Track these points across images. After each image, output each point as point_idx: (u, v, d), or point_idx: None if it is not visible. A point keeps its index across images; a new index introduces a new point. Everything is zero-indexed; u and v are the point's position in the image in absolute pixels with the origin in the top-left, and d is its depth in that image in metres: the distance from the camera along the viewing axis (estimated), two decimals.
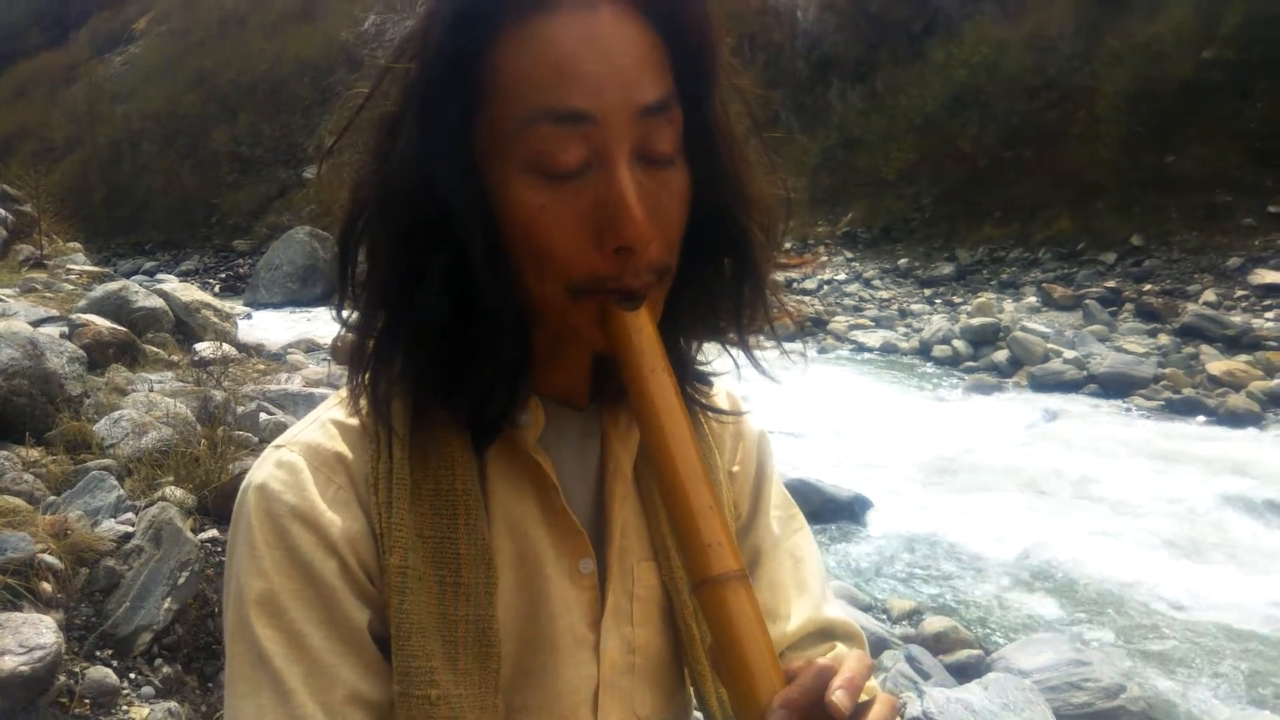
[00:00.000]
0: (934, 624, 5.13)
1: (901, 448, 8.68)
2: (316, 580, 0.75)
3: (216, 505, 3.55)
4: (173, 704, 2.84)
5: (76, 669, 2.79)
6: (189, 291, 8.04)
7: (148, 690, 2.86)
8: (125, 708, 2.78)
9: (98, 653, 2.91)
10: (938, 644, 4.91)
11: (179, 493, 3.52)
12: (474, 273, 0.73)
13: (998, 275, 16.97)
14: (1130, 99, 17.38)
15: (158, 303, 6.84)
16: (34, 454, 3.72)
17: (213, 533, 3.41)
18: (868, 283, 17.96)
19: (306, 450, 0.79)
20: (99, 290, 6.73)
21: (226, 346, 6.69)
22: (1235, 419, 9.34)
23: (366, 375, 0.79)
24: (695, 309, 0.83)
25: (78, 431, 3.91)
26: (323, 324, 16.09)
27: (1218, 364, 10.83)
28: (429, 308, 0.73)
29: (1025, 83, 19.20)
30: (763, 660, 0.65)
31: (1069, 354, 11.81)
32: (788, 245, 0.86)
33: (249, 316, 16.60)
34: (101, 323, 5.63)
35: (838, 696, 0.63)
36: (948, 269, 17.71)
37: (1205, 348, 11.61)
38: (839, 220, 20.69)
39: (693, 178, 0.76)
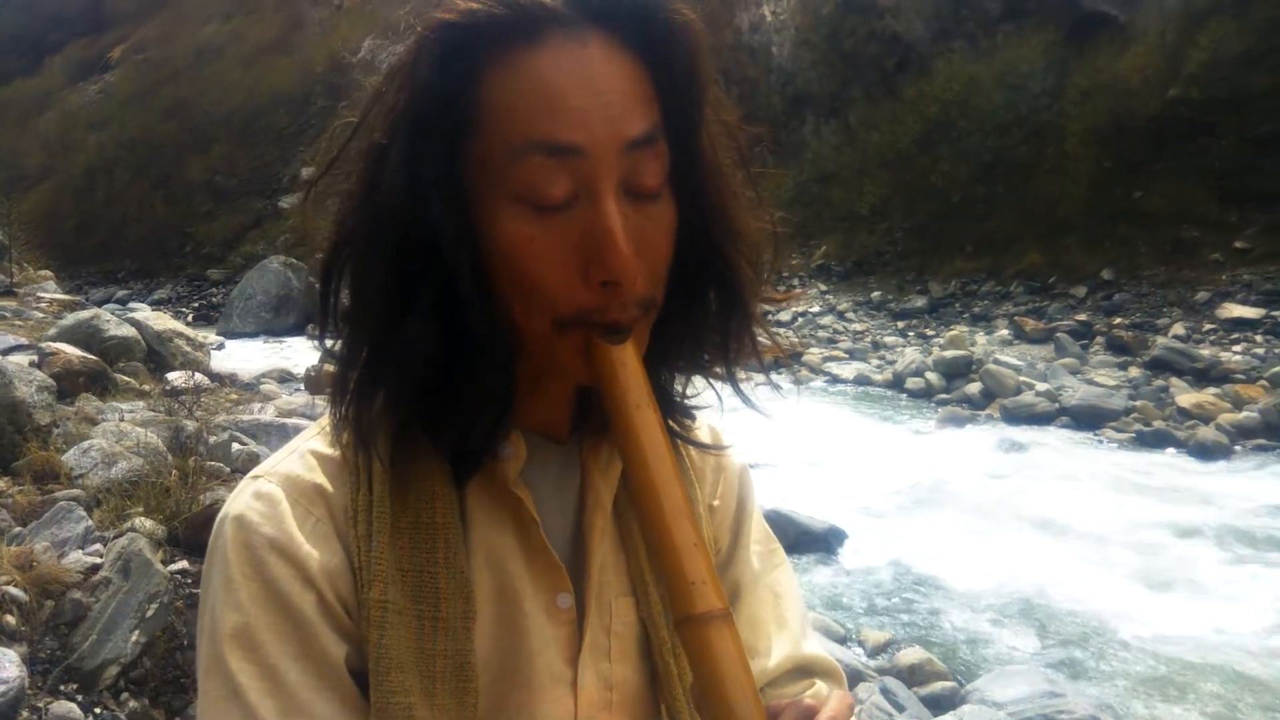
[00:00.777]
0: (909, 656, 5.12)
1: (875, 479, 8.71)
2: (294, 614, 0.73)
3: (187, 536, 3.50)
4: None
5: (40, 704, 2.74)
6: (161, 320, 7.99)
7: None
8: None
9: (62, 687, 2.85)
10: (912, 676, 4.91)
11: (149, 523, 3.47)
12: (462, 303, 0.72)
13: (970, 308, 17.15)
14: (1099, 136, 17.68)
15: (129, 331, 6.78)
16: (0, 484, 3.66)
17: (183, 564, 3.36)
18: (841, 315, 18.08)
19: (285, 481, 0.78)
20: (70, 318, 6.67)
21: (199, 376, 6.64)
22: (1204, 451, 9.44)
23: (349, 407, 0.78)
24: (681, 343, 0.83)
25: (46, 461, 3.86)
26: (297, 353, 15.99)
27: (1187, 396, 10.96)
28: (417, 337, 0.72)
29: (996, 119, 19.49)
30: (745, 700, 0.65)
31: (1041, 386, 11.89)
32: (769, 279, 0.86)
33: (222, 346, 16.41)
34: (72, 351, 5.57)
35: None
36: (920, 302, 17.88)
37: (1175, 380, 11.74)
38: (813, 253, 20.85)
39: (679, 211, 0.76)
